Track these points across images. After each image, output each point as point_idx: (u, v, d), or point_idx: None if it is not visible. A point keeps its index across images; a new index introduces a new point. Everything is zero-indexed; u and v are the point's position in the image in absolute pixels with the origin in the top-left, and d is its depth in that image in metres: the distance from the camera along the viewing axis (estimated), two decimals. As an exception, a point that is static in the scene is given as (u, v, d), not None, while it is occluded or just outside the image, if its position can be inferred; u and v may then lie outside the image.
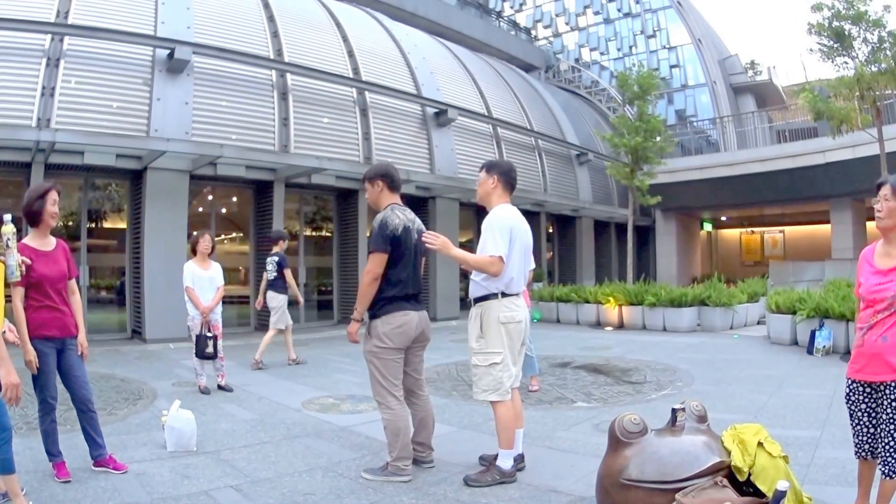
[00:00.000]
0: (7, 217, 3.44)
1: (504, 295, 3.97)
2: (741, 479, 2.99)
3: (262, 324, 12.96)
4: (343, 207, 14.79)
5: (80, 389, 4.01)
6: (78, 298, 4.19)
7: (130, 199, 11.88)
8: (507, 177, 4.21)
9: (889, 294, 2.91)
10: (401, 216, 4.15)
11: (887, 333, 2.90)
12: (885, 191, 2.95)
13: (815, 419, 5.32)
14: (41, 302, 3.82)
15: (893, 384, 2.85)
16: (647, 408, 5.71)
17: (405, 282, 4.10)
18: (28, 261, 3.68)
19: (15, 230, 3.43)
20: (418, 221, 4.32)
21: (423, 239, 4.03)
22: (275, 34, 13.88)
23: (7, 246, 3.42)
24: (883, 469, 2.86)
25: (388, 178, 4.29)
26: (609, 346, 10.48)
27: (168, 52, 11.38)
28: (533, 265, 4.28)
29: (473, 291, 4.08)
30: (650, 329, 12.68)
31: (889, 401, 2.86)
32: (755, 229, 30.77)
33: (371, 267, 4.04)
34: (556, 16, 35.70)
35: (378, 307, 4.09)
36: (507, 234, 3.95)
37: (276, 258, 8.81)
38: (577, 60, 33.58)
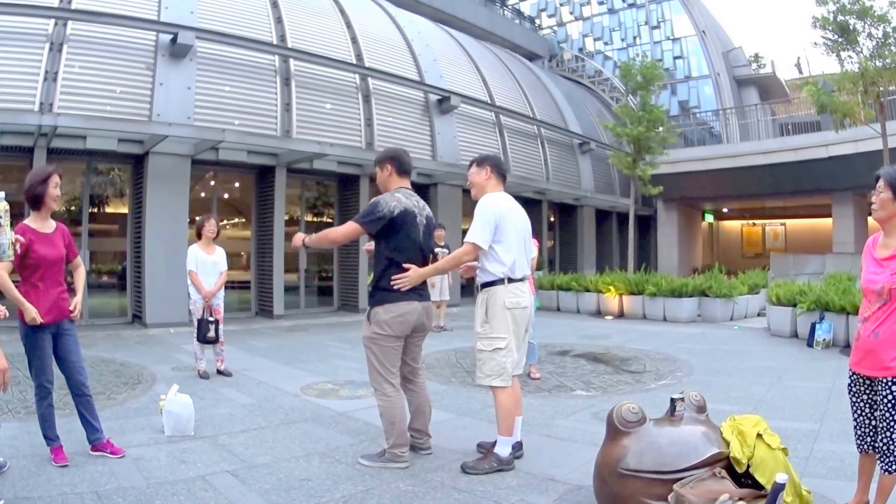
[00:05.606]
0: (1, 194, 3.38)
1: (510, 280, 3.99)
2: (740, 470, 2.98)
3: (263, 309, 13.01)
4: (344, 193, 14.76)
5: (76, 374, 4.01)
6: (83, 271, 4.21)
7: (132, 184, 11.86)
8: (499, 167, 4.28)
9: (877, 286, 2.91)
10: (403, 200, 4.09)
11: (879, 329, 2.89)
12: (879, 183, 2.95)
13: (814, 412, 5.31)
14: (37, 286, 3.81)
15: (886, 381, 2.83)
16: (646, 397, 5.70)
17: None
18: (21, 239, 3.63)
19: (7, 207, 3.37)
20: (427, 210, 4.30)
21: (392, 282, 4.00)
22: (278, 20, 13.80)
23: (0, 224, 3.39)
24: (881, 464, 2.86)
25: (397, 162, 4.27)
26: (609, 335, 10.49)
27: (171, 36, 11.32)
28: (534, 252, 4.29)
29: (480, 278, 4.12)
30: (650, 319, 12.68)
31: (882, 397, 2.84)
32: (757, 221, 30.72)
33: (342, 230, 4.12)
34: (561, 5, 35.48)
35: (381, 294, 4.04)
36: (491, 221, 3.97)
37: (446, 249, 9.80)
38: (580, 50, 33.38)
